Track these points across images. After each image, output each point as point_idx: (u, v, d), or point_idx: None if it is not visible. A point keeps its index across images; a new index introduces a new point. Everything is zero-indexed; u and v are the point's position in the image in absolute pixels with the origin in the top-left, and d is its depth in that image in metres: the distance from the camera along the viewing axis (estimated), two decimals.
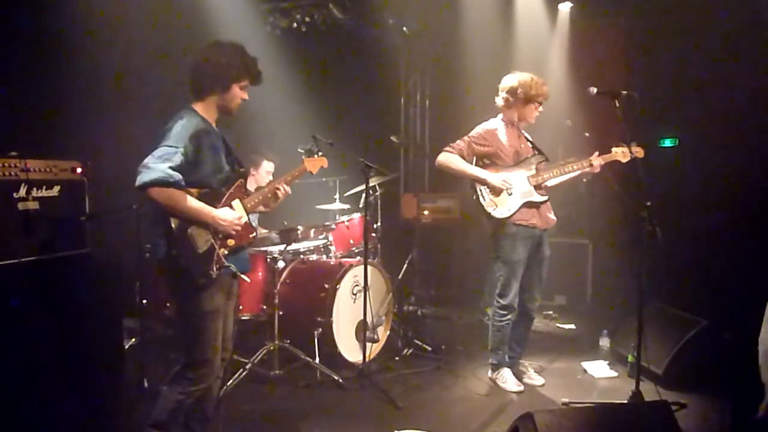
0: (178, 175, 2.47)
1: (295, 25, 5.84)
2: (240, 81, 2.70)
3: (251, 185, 4.86)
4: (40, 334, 2.98)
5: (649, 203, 3.28)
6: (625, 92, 3.44)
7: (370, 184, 4.60)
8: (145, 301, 4.01)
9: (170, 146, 2.49)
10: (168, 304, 4.08)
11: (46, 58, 4.02)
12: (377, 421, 3.44)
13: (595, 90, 3.46)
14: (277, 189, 2.90)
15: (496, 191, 3.78)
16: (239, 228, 2.68)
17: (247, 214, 2.76)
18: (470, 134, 3.88)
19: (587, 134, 4.67)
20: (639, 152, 3.67)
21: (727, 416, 3.40)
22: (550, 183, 3.89)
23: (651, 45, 5.65)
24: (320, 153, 3.66)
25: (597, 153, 3.85)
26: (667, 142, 5.79)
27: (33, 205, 3.00)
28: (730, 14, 5.02)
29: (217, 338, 2.66)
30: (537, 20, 5.93)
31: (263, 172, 4.79)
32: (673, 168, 5.49)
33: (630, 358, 4.05)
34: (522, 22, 5.92)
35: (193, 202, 2.54)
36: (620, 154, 3.78)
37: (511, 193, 3.78)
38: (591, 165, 3.81)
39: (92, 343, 3.24)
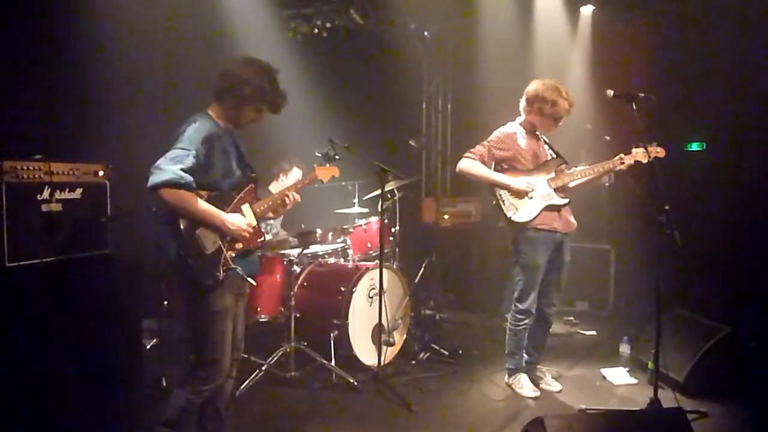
0: (189, 177, 2.52)
1: (316, 30, 5.90)
2: (252, 102, 2.71)
3: (276, 190, 4.95)
4: (61, 332, 3.05)
5: (667, 207, 3.23)
6: (642, 95, 3.39)
7: (388, 188, 4.64)
8: (166, 302, 4.08)
9: (182, 149, 2.55)
10: None
11: (69, 62, 4.11)
12: (391, 424, 3.45)
13: (612, 92, 3.42)
14: (286, 196, 2.92)
15: (519, 195, 3.75)
16: (247, 234, 2.72)
17: (257, 220, 2.80)
18: (489, 138, 3.86)
19: (608, 138, 4.62)
20: (660, 152, 3.60)
21: (750, 426, 3.31)
22: (572, 184, 3.84)
23: (676, 47, 5.56)
24: (337, 157, 3.70)
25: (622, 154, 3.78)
26: (695, 146, 5.69)
27: (56, 207, 3.08)
28: (759, 15, 4.91)
29: (226, 339, 2.69)
30: (558, 23, 5.89)
31: (292, 179, 4.91)
32: (701, 172, 5.40)
33: (650, 365, 3.97)
34: (543, 25, 5.88)
35: (203, 205, 2.59)
36: (640, 154, 3.69)
37: (532, 197, 3.75)
38: (622, 163, 3.69)
39: (112, 342, 3.30)
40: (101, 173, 3.37)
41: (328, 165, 3.28)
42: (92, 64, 4.25)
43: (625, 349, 4.36)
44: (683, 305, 4.30)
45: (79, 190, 3.22)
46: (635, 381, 4.06)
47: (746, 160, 5.02)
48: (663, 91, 5.44)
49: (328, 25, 5.85)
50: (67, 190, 3.16)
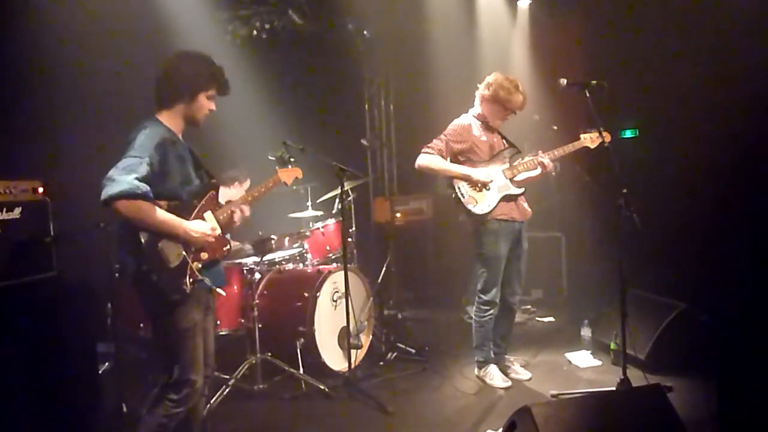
0: (145, 186, 2.36)
1: (255, 32, 5.74)
2: (207, 90, 2.62)
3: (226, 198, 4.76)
4: (10, 364, 2.83)
5: (625, 190, 3.31)
6: (594, 82, 3.47)
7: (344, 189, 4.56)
8: (118, 323, 3.85)
9: (135, 156, 2.39)
10: (141, 325, 3.92)
11: (0, 71, 3.85)
12: (368, 428, 3.38)
13: (565, 81, 3.47)
14: (233, 212, 2.75)
15: (477, 187, 3.76)
16: (213, 240, 2.59)
17: (221, 228, 2.67)
18: (445, 132, 3.86)
19: (555, 128, 4.72)
20: (606, 137, 3.72)
21: (714, 396, 3.44)
22: (520, 177, 3.89)
23: (609, 37, 5.74)
24: (292, 159, 3.59)
25: (540, 150, 3.86)
26: (628, 133, 5.89)
27: None
28: (687, 5, 5.13)
29: (198, 356, 2.55)
30: (498, 17, 5.99)
31: (244, 190, 4.73)
32: (635, 158, 5.60)
33: (612, 346, 4.09)
34: (483, 20, 5.96)
35: (163, 215, 2.44)
36: (588, 140, 3.80)
37: (489, 189, 3.78)
38: (541, 164, 3.81)
39: (66, 370, 3.09)
40: (41, 190, 3.15)
41: (290, 167, 3.16)
42: (26, 73, 3.99)
43: (586, 332, 4.46)
44: (635, 285, 4.43)
45: (17, 210, 3.01)
46: (599, 362, 4.16)
47: (680, 144, 5.24)
48: (596, 79, 5.62)
49: (267, 26, 5.70)
50: (4, 210, 2.94)
